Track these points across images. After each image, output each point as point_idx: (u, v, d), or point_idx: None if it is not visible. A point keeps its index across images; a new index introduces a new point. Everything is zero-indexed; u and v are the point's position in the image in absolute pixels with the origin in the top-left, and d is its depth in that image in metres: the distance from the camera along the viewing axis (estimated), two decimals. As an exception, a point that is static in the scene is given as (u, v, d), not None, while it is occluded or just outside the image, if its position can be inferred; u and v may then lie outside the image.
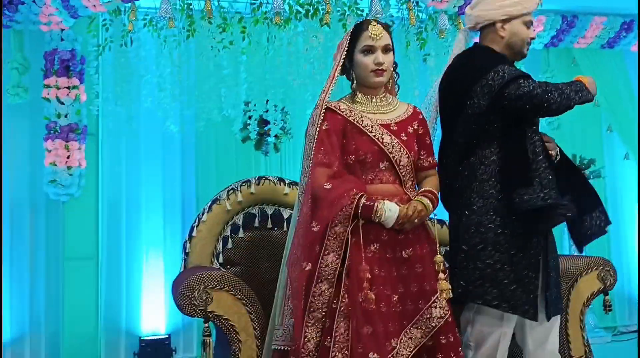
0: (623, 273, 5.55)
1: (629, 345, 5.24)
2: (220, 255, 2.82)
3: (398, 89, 2.44)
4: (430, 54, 4.45)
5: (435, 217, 2.37)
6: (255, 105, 4.46)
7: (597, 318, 5.28)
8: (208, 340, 2.36)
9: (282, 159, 5.01)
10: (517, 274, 2.22)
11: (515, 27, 2.38)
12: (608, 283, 2.74)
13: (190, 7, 4.11)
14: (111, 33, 4.25)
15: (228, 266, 2.81)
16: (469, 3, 4.27)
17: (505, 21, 2.39)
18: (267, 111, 4.54)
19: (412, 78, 4.34)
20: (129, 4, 4.08)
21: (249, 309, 2.43)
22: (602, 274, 2.74)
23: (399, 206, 2.15)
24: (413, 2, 4.26)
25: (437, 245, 2.21)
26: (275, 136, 4.62)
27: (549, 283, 2.28)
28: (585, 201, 2.36)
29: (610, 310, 2.66)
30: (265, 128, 4.66)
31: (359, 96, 2.32)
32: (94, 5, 4.14)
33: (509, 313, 2.25)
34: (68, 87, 4.29)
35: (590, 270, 2.73)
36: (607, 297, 2.71)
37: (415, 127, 2.33)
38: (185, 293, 2.32)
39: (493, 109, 2.23)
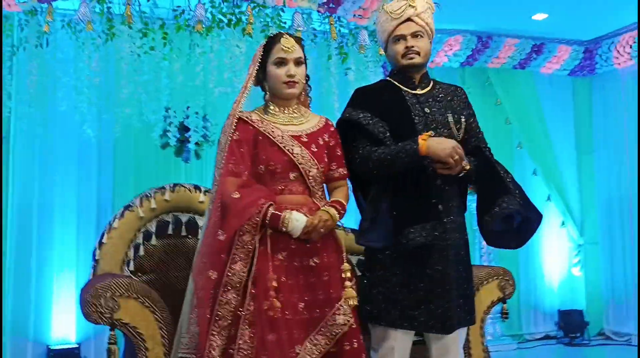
0: (529, 283, 5.85)
1: (533, 352, 5.52)
2: (131, 262, 2.79)
3: (311, 101, 2.50)
4: (351, 67, 4.56)
5: (342, 225, 2.44)
6: (175, 112, 4.44)
7: (503, 327, 5.52)
8: (113, 348, 2.34)
9: (203, 166, 4.98)
10: (417, 293, 2.30)
11: (389, 49, 2.47)
12: (507, 292, 2.89)
13: (110, 10, 4.05)
14: (26, 33, 4.12)
15: (139, 274, 2.79)
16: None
17: (385, 49, 2.52)
18: (187, 118, 4.53)
19: (333, 91, 4.43)
20: (46, 5, 3.98)
21: (157, 317, 2.42)
22: (502, 283, 2.89)
23: (307, 216, 2.20)
24: (335, 17, 4.35)
25: (344, 253, 2.28)
26: (196, 143, 4.60)
27: (451, 297, 2.33)
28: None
29: (506, 317, 2.81)
30: (186, 135, 4.63)
31: (272, 107, 2.36)
32: (9, 5, 4.02)
33: (415, 330, 2.34)
34: (-22, 88, 4.13)
35: (490, 280, 2.87)
36: (505, 305, 2.86)
37: (327, 139, 2.39)
38: (91, 301, 2.29)
39: None
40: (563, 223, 5.98)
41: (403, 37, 2.40)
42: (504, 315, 2.79)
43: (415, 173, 2.32)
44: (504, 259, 5.26)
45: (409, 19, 2.39)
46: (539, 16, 5.26)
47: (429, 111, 2.41)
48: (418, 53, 2.40)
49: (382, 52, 4.59)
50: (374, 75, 4.69)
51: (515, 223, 2.35)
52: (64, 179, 4.60)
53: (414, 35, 2.40)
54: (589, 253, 5.96)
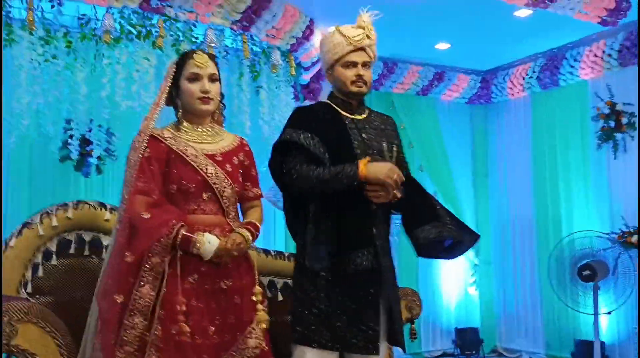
0: (428, 301, 6.05)
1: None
2: (29, 283, 2.63)
3: (224, 120, 2.48)
4: (262, 86, 4.57)
5: (255, 247, 2.42)
6: (77, 124, 4.24)
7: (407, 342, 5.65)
8: (9, 377, 2.18)
9: (105, 182, 4.79)
10: (349, 315, 2.32)
11: (336, 72, 2.49)
12: (415, 313, 2.97)
13: (10, 15, 3.83)
14: None
15: (37, 296, 2.63)
16: (301, 43, 4.49)
17: (328, 69, 2.53)
18: (90, 131, 4.35)
19: (244, 109, 4.41)
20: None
21: (58, 342, 2.29)
22: (410, 304, 2.97)
23: (219, 238, 2.16)
24: (248, 35, 4.35)
25: (257, 276, 2.27)
26: (99, 157, 4.42)
27: (381, 319, 2.37)
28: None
29: (415, 337, 2.88)
30: (88, 148, 4.44)
31: (185, 124, 2.32)
32: None
33: (346, 352, 2.35)
34: None
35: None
36: (413, 325, 2.93)
37: (241, 158, 2.37)
38: (-14, 326, 2.13)
39: None
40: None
41: (355, 64, 2.43)
42: (413, 335, 2.86)
43: (354, 195, 2.34)
44: (403, 277, 5.41)
45: (362, 48, 2.43)
46: (442, 46, 5.51)
47: (366, 137, 2.45)
48: (366, 83, 2.45)
49: (293, 73, 4.67)
50: (285, 94, 4.73)
51: (447, 244, 2.44)
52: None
53: (365, 65, 2.45)
54: (484, 272, 6.26)
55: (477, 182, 6.41)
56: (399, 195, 2.36)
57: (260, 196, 2.42)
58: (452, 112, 6.39)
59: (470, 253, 6.23)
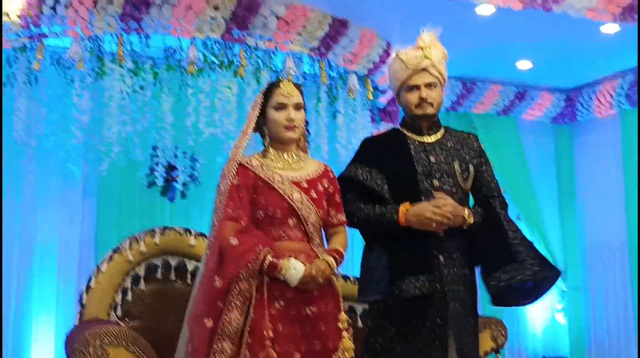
0: (513, 328, 5.82)
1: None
2: (119, 307, 2.73)
3: (308, 146, 2.50)
4: (340, 111, 4.59)
5: (340, 274, 2.41)
6: (163, 151, 4.40)
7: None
8: (101, 400, 2.25)
9: (189, 207, 4.93)
10: (415, 344, 2.27)
11: (402, 97, 2.48)
12: (500, 342, 2.88)
13: (102, 49, 4.04)
14: (15, 69, 4.08)
15: (127, 320, 2.72)
16: (378, 66, 4.49)
17: (396, 96, 2.53)
18: (175, 157, 4.50)
19: (321, 133, 4.44)
20: (37, 42, 3.95)
21: (147, 366, 2.35)
22: (494, 333, 2.88)
23: (305, 264, 2.17)
24: (325, 61, 4.40)
25: (341, 302, 2.25)
26: (183, 183, 4.57)
27: (449, 351, 2.30)
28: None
29: (500, 367, 2.78)
30: (173, 174, 4.60)
31: (271, 152, 2.36)
32: None
33: None
34: (-35, 123, 4.06)
35: (483, 330, 2.85)
36: (498, 355, 2.83)
37: (326, 185, 2.38)
38: (80, 349, 2.22)
39: None
40: (546, 268, 5.99)
41: (417, 87, 2.41)
42: (498, 365, 2.77)
43: None
44: (486, 305, 5.24)
45: (424, 69, 2.40)
46: (523, 64, 5.37)
47: (434, 160, 2.41)
48: (431, 104, 2.42)
49: (371, 97, 4.67)
50: (362, 118, 4.74)
51: (527, 286, 2.32)
52: (47, 218, 4.50)
53: (428, 85, 2.41)
54: (572, 298, 5.98)
55: (564, 204, 6.15)
56: (470, 220, 2.31)
57: (345, 222, 2.41)
58: (535, 132, 6.18)
59: (557, 278, 5.97)
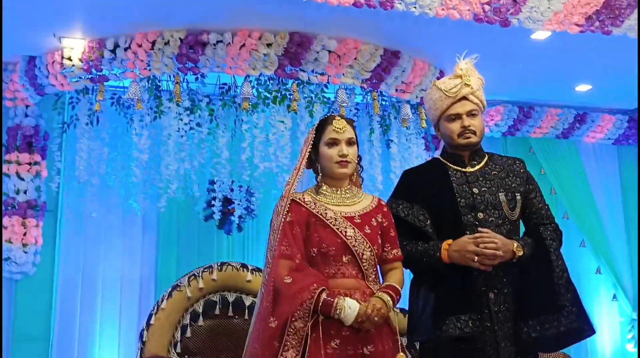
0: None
1: None
2: (179, 344, 2.75)
3: (362, 182, 2.47)
4: (393, 140, 4.57)
5: (397, 310, 2.36)
6: (219, 185, 4.47)
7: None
8: None
9: (246, 240, 4.99)
10: None
11: (442, 127, 2.43)
12: (568, 379, 2.75)
13: (159, 88, 4.16)
14: (77, 111, 4.26)
15: (186, 357, 2.74)
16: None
17: (435, 126, 2.47)
18: (232, 190, 4.56)
19: (375, 164, 4.42)
20: (97, 86, 4.11)
21: (207, 405, 2.35)
22: (563, 369, 2.75)
23: (360, 303, 2.13)
24: (377, 91, 4.39)
25: (399, 341, 2.20)
26: (240, 216, 4.61)
27: None
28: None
29: (568, 402, 2.65)
30: (229, 207, 4.65)
31: (324, 187, 2.34)
32: (62, 84, 4.17)
33: None
34: (29, 164, 4.25)
35: (551, 365, 2.74)
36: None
37: (380, 220, 2.34)
38: (141, 388, 2.24)
39: None
40: (614, 297, 5.74)
41: (458, 116, 2.35)
42: (568, 405, 2.63)
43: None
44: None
45: (464, 98, 2.35)
46: (582, 87, 5.23)
47: (477, 191, 2.33)
48: (474, 132, 2.36)
49: (424, 125, 4.62)
50: (416, 147, 4.69)
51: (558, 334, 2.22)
52: (109, 254, 4.64)
53: (470, 114, 2.35)
54: (644, 328, 5.70)
55: (631, 229, 5.89)
56: (519, 253, 2.23)
57: (401, 258, 2.36)
58: (598, 154, 5.99)
59: (626, 307, 5.71)
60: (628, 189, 5.97)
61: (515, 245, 2.25)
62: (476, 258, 2.19)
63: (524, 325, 2.21)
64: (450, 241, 2.25)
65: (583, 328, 2.23)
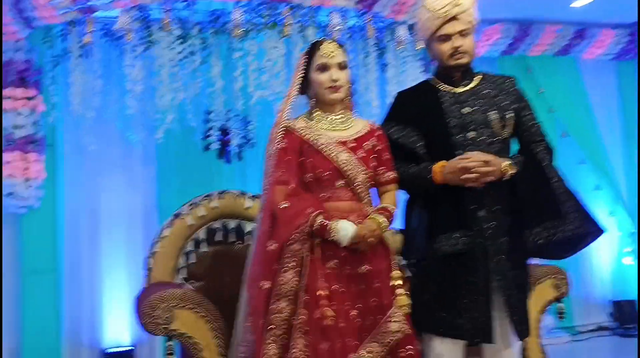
0: (579, 274, 5.72)
1: (587, 345, 5.41)
2: (183, 269, 2.83)
3: (354, 105, 2.47)
4: (389, 63, 4.51)
5: (392, 230, 2.42)
6: (216, 115, 4.46)
7: (555, 320, 5.41)
8: (171, 358, 2.37)
9: (245, 168, 5.00)
10: (459, 301, 2.25)
11: (433, 48, 2.40)
12: (562, 291, 2.83)
13: (149, 18, 4.09)
14: (68, 44, 4.20)
15: (192, 282, 2.82)
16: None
17: (427, 46, 2.44)
18: (228, 121, 4.56)
19: (371, 88, 4.39)
20: (86, 17, 4.04)
21: (212, 326, 2.45)
22: (556, 282, 2.83)
23: (355, 225, 2.18)
24: (371, 13, 4.31)
25: (394, 260, 2.26)
26: (238, 145, 4.63)
27: (494, 306, 2.27)
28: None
29: (563, 317, 2.74)
30: (227, 137, 4.66)
31: (317, 113, 2.35)
32: (51, 16, 4.09)
33: (459, 339, 2.28)
34: (25, 98, 4.23)
35: (544, 279, 2.81)
36: (561, 305, 2.79)
37: (374, 143, 2.36)
38: (147, 312, 2.33)
39: None
40: (611, 213, 5.82)
41: (448, 36, 2.32)
42: (560, 314, 2.73)
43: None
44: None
45: (454, 17, 2.30)
46: (580, 1, 5.11)
47: (467, 111, 2.34)
48: (465, 52, 2.33)
49: (420, 46, 4.55)
50: (413, 69, 4.64)
51: (565, 239, 2.23)
52: (110, 186, 4.67)
53: (461, 33, 2.32)
54: (640, 241, 5.80)
55: (630, 146, 5.90)
56: (510, 171, 2.25)
57: (395, 179, 2.39)
58: (597, 71, 5.91)
59: (625, 221, 5.80)
60: (627, 104, 5.94)
61: (506, 162, 2.26)
62: (465, 175, 2.21)
63: (529, 233, 2.23)
64: (443, 162, 2.27)
65: (591, 230, 2.25)
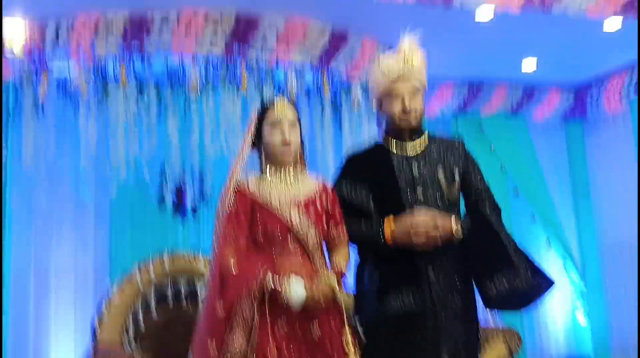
0: (533, 332, 5.74)
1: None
2: (131, 335, 2.74)
3: (306, 164, 2.47)
4: (344, 122, 4.58)
5: (346, 292, 2.40)
6: (171, 170, 4.43)
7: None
8: None
9: (200, 224, 4.95)
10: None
11: (383, 106, 2.41)
12: (514, 349, 2.84)
13: (105, 72, 4.08)
14: (22, 98, 4.15)
15: (140, 348, 2.73)
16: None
17: (377, 103, 2.46)
18: (184, 174, 4.52)
19: (327, 146, 4.44)
20: (41, 72, 4.01)
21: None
22: (508, 340, 2.84)
23: (307, 286, 2.14)
24: (328, 71, 4.39)
25: (345, 320, 2.24)
26: (193, 201, 4.58)
27: None
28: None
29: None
30: (182, 193, 4.62)
31: (269, 171, 2.34)
32: (5, 70, 4.05)
33: None
34: (-26, 155, 4.13)
35: (496, 337, 2.82)
36: (514, 361, 2.80)
37: (324, 202, 2.35)
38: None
39: None
40: (564, 267, 5.92)
41: (399, 95, 2.35)
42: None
43: None
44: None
45: (405, 77, 2.33)
46: (528, 63, 5.32)
47: (417, 171, 2.38)
48: (415, 111, 2.37)
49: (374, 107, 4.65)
50: (369, 128, 4.72)
51: (519, 293, 2.25)
52: (60, 243, 4.54)
53: (411, 93, 2.35)
54: (592, 297, 5.90)
55: (579, 203, 6.07)
56: (458, 234, 2.27)
57: (345, 236, 2.38)
58: (546, 131, 6.12)
59: (575, 278, 5.89)
60: (575, 164, 6.14)
61: (454, 225, 2.27)
62: (415, 238, 2.23)
63: (490, 281, 2.23)
64: (391, 222, 2.27)
65: (541, 283, 2.27)
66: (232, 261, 2.15)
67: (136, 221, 4.75)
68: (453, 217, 2.31)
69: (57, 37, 3.88)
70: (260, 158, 2.38)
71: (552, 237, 5.85)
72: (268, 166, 2.35)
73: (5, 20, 3.82)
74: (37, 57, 3.95)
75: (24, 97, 4.16)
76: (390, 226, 2.28)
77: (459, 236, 2.28)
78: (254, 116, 2.37)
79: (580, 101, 5.98)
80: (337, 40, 4.25)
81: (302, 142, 2.39)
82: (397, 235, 2.26)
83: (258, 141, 2.35)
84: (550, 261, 5.72)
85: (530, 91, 5.82)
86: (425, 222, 2.24)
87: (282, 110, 2.30)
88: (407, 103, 2.33)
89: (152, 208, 4.67)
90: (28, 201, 4.35)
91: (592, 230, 5.98)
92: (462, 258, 2.35)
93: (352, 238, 2.34)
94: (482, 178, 2.47)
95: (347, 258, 2.35)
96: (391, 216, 2.29)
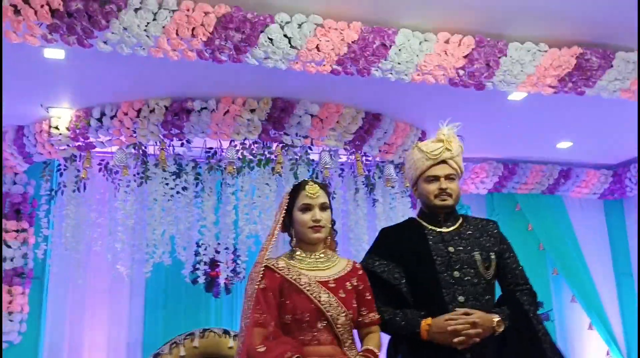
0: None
1: None
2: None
3: (337, 245, 2.49)
4: (378, 199, 4.61)
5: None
6: (206, 248, 4.48)
7: None
8: None
9: (233, 301, 4.96)
10: None
11: (420, 188, 2.48)
12: None
13: (145, 154, 4.23)
14: (65, 178, 4.31)
15: None
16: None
17: (413, 186, 2.53)
18: (218, 253, 4.57)
19: (361, 223, 4.45)
20: (84, 152, 4.18)
21: None
22: None
23: None
24: (361, 152, 4.46)
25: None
26: (226, 278, 4.60)
27: None
28: None
29: None
30: (216, 270, 4.65)
31: (298, 252, 2.35)
32: (50, 152, 4.24)
33: None
34: (16, 231, 4.27)
35: None
36: None
37: (355, 283, 2.34)
38: None
39: None
40: (608, 353, 5.66)
41: (437, 178, 2.42)
42: None
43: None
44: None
45: (444, 161, 2.43)
46: (563, 144, 5.32)
47: (453, 250, 2.37)
48: (450, 195, 2.42)
49: (408, 184, 4.68)
50: (402, 205, 4.73)
51: None
52: (95, 320, 4.59)
53: (448, 177, 2.42)
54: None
55: (622, 282, 5.88)
56: (499, 329, 2.24)
57: (378, 321, 2.35)
58: (585, 209, 6.04)
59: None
60: (616, 242, 5.99)
61: (496, 320, 2.26)
62: (455, 339, 2.20)
63: None
64: (429, 320, 2.26)
65: None
66: (260, 342, 2.13)
67: (170, 298, 4.79)
68: (495, 316, 2.28)
69: (101, 122, 4.06)
70: (290, 238, 2.41)
71: (594, 319, 5.64)
72: (298, 247, 2.37)
73: (52, 109, 4.03)
74: (81, 139, 4.12)
75: (67, 177, 4.32)
76: (426, 322, 2.26)
77: (500, 330, 2.25)
78: (285, 198, 2.41)
79: (619, 179, 5.91)
80: (371, 122, 4.33)
81: (332, 223, 2.42)
82: (433, 331, 2.24)
83: (289, 222, 2.39)
84: (593, 346, 5.49)
85: (567, 171, 5.79)
86: (465, 327, 2.22)
87: (314, 192, 2.34)
88: (443, 185, 2.41)
89: (186, 285, 4.70)
90: (65, 276, 4.44)
91: (634, 309, 5.75)
92: (499, 347, 2.30)
93: (385, 325, 2.32)
94: (516, 261, 2.46)
95: (379, 342, 2.32)
96: (429, 319, 2.27)
